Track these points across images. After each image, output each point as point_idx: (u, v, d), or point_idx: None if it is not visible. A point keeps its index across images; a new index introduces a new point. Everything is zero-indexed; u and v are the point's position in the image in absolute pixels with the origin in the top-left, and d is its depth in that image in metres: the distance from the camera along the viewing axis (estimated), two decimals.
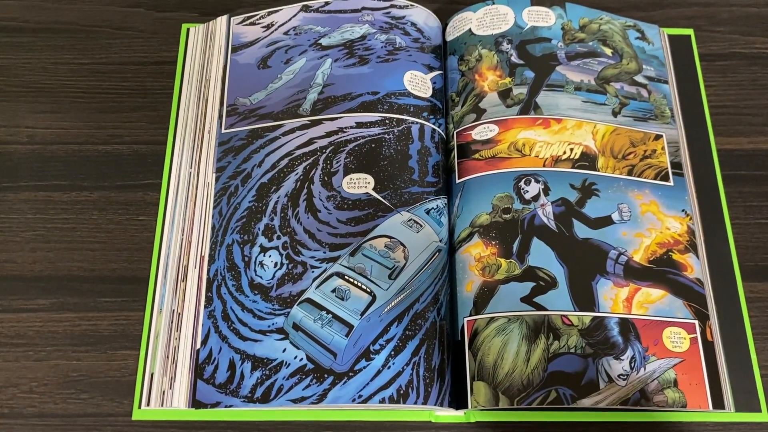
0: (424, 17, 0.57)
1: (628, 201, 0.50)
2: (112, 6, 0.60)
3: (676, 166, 0.52)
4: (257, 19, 0.57)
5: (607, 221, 0.49)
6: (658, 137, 0.53)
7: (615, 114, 0.53)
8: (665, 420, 0.47)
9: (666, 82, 0.56)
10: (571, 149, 0.51)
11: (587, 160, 0.51)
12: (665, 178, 0.51)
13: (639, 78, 0.55)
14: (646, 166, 0.52)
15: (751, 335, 0.49)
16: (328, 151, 0.51)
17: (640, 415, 0.47)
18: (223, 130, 0.53)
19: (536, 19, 0.56)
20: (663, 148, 0.53)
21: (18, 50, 0.58)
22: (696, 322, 0.47)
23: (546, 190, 0.50)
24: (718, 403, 0.45)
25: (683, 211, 0.51)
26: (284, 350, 0.45)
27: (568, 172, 0.51)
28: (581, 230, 0.49)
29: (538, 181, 0.50)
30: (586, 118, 0.53)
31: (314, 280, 0.47)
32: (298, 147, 0.51)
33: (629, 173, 0.51)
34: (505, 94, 0.54)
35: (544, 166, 0.51)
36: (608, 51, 0.56)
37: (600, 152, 0.52)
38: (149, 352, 0.47)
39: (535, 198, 0.50)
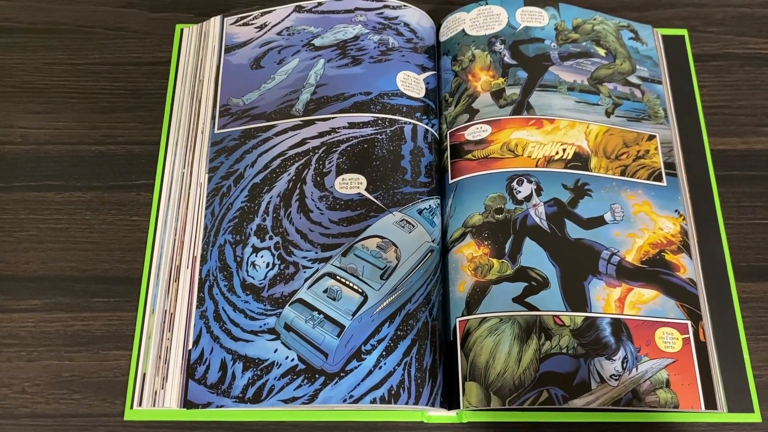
0: (417, 18, 0.57)
1: (621, 201, 0.50)
2: (105, 6, 0.60)
3: (670, 166, 0.52)
4: (250, 20, 0.57)
5: (599, 221, 0.49)
6: (651, 137, 0.53)
7: (608, 114, 0.53)
8: (657, 420, 0.47)
9: (659, 82, 0.56)
10: (564, 149, 0.51)
11: (580, 160, 0.51)
12: (658, 178, 0.51)
13: (632, 78, 0.55)
14: (639, 166, 0.52)
15: (744, 336, 0.49)
16: (320, 151, 0.51)
17: (632, 416, 0.47)
18: (216, 131, 0.53)
19: (529, 19, 0.56)
20: (656, 149, 0.53)
21: (12, 50, 0.58)
22: (689, 322, 0.47)
23: (538, 191, 0.50)
24: (711, 404, 0.45)
25: (676, 211, 0.50)
26: (276, 350, 0.45)
27: (560, 172, 0.51)
28: (573, 230, 0.49)
29: (530, 182, 0.50)
30: (579, 119, 0.53)
31: (306, 280, 0.47)
32: (291, 147, 0.51)
33: (622, 173, 0.51)
34: (498, 95, 0.54)
35: (536, 166, 0.51)
36: (602, 51, 0.56)
37: (593, 152, 0.52)
38: (141, 352, 0.47)
39: (528, 198, 0.50)
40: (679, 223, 0.50)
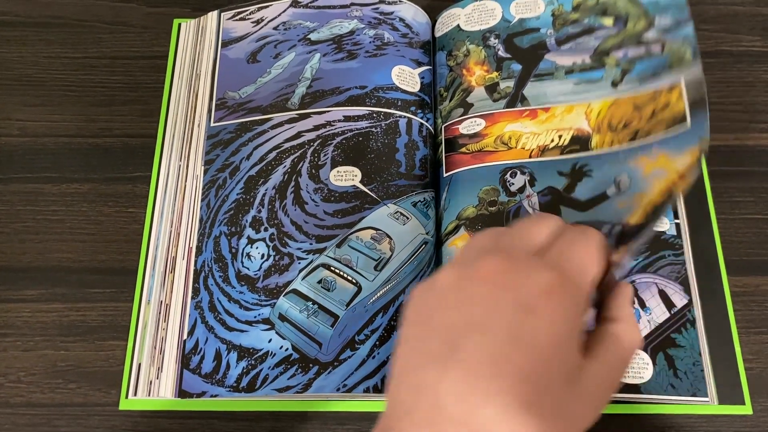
0: (412, 13, 0.57)
1: (629, 170, 0.48)
2: (104, 1, 0.61)
3: (699, 104, 0.43)
4: (247, 15, 0.58)
5: (601, 198, 0.48)
6: (672, 87, 0.46)
7: (615, 84, 0.52)
8: (648, 412, 0.47)
9: (688, 23, 0.46)
10: (560, 136, 0.51)
11: (578, 142, 0.50)
12: (680, 120, 0.44)
13: (649, 34, 0.50)
14: (655, 122, 0.48)
15: (735, 329, 0.49)
16: (315, 144, 0.51)
17: (623, 407, 0.47)
18: (212, 124, 0.53)
19: (524, 11, 0.56)
20: (680, 94, 0.46)
21: (10, 44, 0.59)
22: None
23: (531, 181, 0.50)
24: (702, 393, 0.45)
25: (698, 140, 0.42)
26: (270, 340, 0.46)
27: (555, 160, 0.50)
28: (570, 216, 0.48)
29: (523, 173, 0.50)
30: (579, 100, 0.52)
31: (300, 271, 0.47)
32: (287, 140, 0.52)
33: (632, 139, 0.48)
34: (492, 89, 0.54)
35: (530, 157, 0.51)
36: (608, 22, 0.54)
37: (595, 131, 0.50)
38: (137, 342, 0.48)
39: (521, 190, 0.50)
40: (697, 154, 0.41)
